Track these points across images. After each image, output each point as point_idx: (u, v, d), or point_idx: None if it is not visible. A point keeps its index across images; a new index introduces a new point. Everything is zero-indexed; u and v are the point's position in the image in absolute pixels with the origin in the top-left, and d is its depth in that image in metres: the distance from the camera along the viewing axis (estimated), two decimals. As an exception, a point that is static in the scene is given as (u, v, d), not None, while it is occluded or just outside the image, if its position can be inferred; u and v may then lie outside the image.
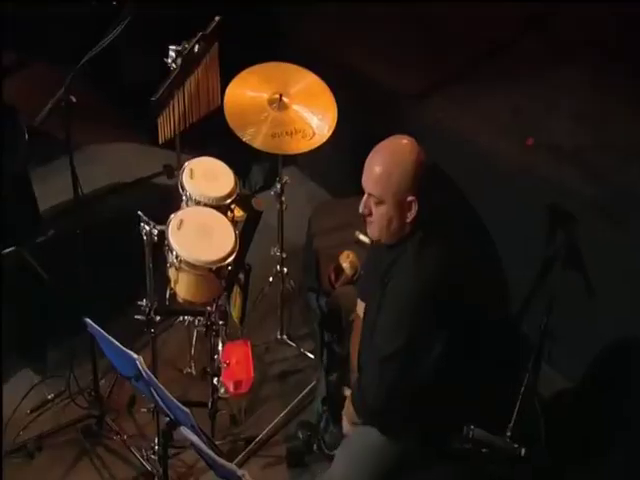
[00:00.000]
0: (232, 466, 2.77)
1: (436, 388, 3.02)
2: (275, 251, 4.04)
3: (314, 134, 3.64)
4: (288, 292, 4.10)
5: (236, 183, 3.48)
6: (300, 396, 3.89)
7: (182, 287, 3.30)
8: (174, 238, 3.23)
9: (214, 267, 3.23)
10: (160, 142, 3.77)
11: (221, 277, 3.26)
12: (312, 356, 4.04)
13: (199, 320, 3.66)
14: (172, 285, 3.33)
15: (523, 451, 3.18)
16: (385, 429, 3.06)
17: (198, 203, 3.39)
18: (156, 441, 3.61)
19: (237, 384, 3.34)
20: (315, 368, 3.85)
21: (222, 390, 3.49)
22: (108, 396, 3.88)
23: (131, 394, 3.92)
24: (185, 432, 2.87)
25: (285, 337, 4.16)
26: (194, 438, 2.83)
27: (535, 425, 3.42)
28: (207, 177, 3.46)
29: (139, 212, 3.26)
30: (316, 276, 4.05)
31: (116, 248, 3.94)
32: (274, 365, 4.08)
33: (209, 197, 3.41)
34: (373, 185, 2.84)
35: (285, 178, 3.89)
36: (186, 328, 3.98)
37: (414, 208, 2.81)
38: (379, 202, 2.85)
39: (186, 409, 2.81)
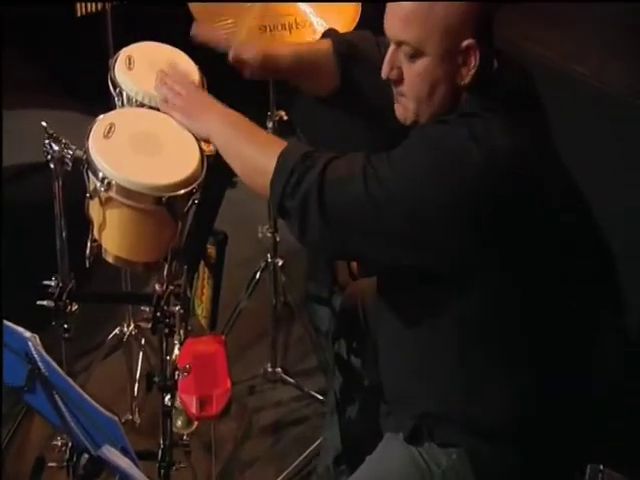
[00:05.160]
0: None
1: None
2: (264, 231, 3.29)
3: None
4: (284, 303, 3.48)
5: (202, 82, 2.56)
6: (303, 456, 3.22)
7: (113, 234, 2.37)
8: (99, 150, 2.30)
9: (165, 196, 2.27)
10: (79, 14, 2.94)
11: (176, 216, 2.32)
12: (321, 397, 3.34)
13: (146, 319, 2.62)
14: (96, 234, 2.38)
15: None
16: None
17: (141, 106, 2.48)
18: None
19: (204, 401, 2.37)
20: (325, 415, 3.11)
21: (179, 421, 2.50)
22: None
23: (39, 455, 3.00)
24: (109, 454, 1.92)
25: (279, 370, 3.50)
26: (124, 462, 1.89)
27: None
28: (155, 68, 2.51)
29: (43, 123, 2.40)
30: (329, 266, 3.47)
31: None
32: (263, 412, 3.44)
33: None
34: (404, 24, 2.09)
35: (280, 113, 3.14)
36: (125, 347, 3.21)
37: (474, 59, 2.08)
38: (415, 53, 2.10)
39: (112, 416, 1.95)
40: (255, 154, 2.21)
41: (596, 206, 2.94)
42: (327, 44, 2.46)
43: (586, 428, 2.35)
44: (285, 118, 3.12)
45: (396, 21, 2.13)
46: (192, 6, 2.85)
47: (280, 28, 2.89)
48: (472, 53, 2.08)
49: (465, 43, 2.08)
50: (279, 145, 2.17)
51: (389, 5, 2.14)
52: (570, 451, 2.31)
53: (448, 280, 2.10)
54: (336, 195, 2.05)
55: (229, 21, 2.86)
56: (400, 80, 2.16)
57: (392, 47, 2.14)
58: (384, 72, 2.16)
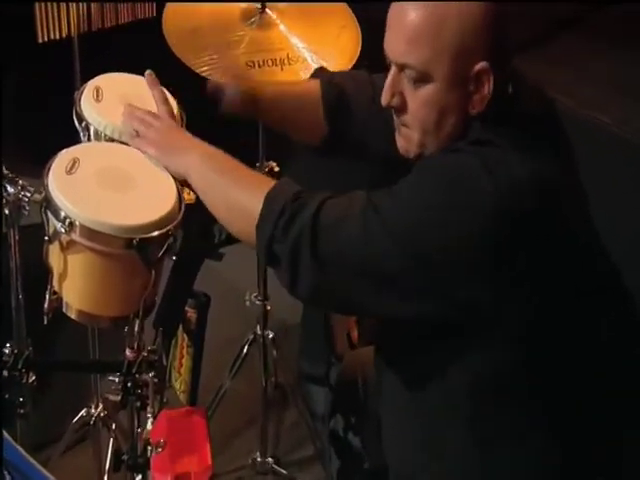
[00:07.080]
0: None
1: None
2: (252, 299, 3.17)
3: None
4: (275, 383, 3.38)
5: (181, 117, 2.44)
6: None
7: (75, 285, 2.23)
8: (60, 186, 2.17)
9: (136, 238, 2.15)
10: (40, 41, 2.85)
11: (149, 262, 2.19)
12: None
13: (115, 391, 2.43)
14: (55, 285, 2.24)
15: None
16: None
17: (111, 141, 2.37)
18: None
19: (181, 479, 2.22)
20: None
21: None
22: None
23: None
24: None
25: (270, 461, 3.33)
26: None
27: None
28: (127, 101, 2.40)
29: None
30: (326, 336, 3.32)
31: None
32: (252, 509, 3.29)
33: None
34: (409, 44, 2.02)
35: (270, 164, 3.00)
36: (92, 432, 3.01)
37: (487, 85, 2.01)
38: (421, 78, 2.03)
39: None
40: (240, 195, 2.09)
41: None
42: (315, 86, 2.38)
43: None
44: (276, 169, 2.98)
45: (399, 40, 2.03)
46: (170, 40, 2.70)
47: (270, 64, 2.75)
48: (485, 79, 2.00)
49: (477, 67, 1.99)
50: (267, 184, 2.06)
51: (391, 22, 2.05)
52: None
53: (459, 331, 1.99)
54: (331, 237, 1.95)
55: (213, 56, 2.72)
56: (403, 108, 2.07)
57: (393, 70, 2.04)
58: (384, 99, 2.06)
